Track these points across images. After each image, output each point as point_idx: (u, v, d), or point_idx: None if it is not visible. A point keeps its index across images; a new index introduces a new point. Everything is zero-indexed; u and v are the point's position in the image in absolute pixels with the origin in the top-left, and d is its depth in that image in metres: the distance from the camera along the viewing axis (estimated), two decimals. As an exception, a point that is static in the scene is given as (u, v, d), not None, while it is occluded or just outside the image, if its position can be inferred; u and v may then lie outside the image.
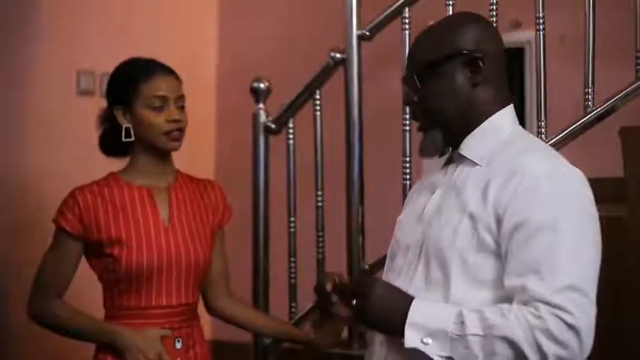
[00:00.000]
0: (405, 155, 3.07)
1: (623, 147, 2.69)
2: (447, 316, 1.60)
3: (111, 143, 2.35)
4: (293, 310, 3.32)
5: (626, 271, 2.63)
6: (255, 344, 3.32)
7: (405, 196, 3.00)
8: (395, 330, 1.64)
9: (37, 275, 2.32)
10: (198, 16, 4.91)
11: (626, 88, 2.77)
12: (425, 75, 1.77)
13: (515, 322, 1.55)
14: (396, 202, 2.97)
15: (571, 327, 1.53)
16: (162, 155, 2.32)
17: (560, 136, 2.83)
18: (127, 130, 2.28)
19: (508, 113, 1.79)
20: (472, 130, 1.76)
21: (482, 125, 1.76)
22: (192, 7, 4.82)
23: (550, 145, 2.82)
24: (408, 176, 3.06)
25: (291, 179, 3.36)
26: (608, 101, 2.79)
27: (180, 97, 2.30)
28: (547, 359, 1.53)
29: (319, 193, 3.30)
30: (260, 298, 3.33)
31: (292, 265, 3.35)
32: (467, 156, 1.76)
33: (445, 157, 1.85)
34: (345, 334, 3.09)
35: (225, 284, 2.48)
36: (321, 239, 3.28)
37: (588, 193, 1.69)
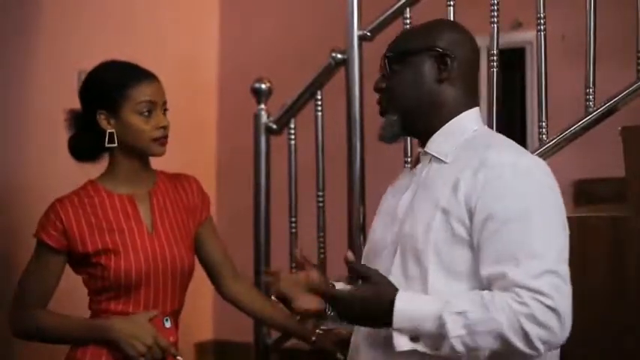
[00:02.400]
0: (406, 155, 3.07)
1: (624, 147, 2.69)
2: (430, 320, 1.65)
3: (84, 147, 2.31)
4: (294, 310, 3.31)
5: (628, 271, 2.63)
6: (256, 344, 3.32)
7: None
8: (381, 326, 1.71)
9: (19, 290, 2.28)
10: (200, 16, 4.92)
11: (627, 88, 2.77)
12: (397, 64, 1.87)
13: (498, 310, 1.60)
14: (397, 202, 2.98)
15: (551, 309, 1.59)
16: (143, 160, 2.31)
17: (561, 136, 2.82)
18: (111, 135, 2.24)
19: (474, 114, 1.88)
20: (437, 129, 1.85)
21: (447, 124, 1.84)
22: (193, 8, 4.82)
23: (551, 145, 2.83)
24: (409, 176, 3.06)
25: (292, 179, 3.36)
26: (609, 101, 2.78)
27: (165, 102, 2.29)
28: (532, 343, 1.59)
29: (320, 193, 3.30)
30: (261, 298, 3.33)
31: (293, 265, 3.35)
32: (433, 153, 1.84)
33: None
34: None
35: (230, 269, 2.49)
36: (322, 239, 3.28)
37: (552, 182, 1.76)
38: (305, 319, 2.39)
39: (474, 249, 1.70)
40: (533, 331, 1.58)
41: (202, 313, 4.60)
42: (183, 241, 2.32)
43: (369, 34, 3.15)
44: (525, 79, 4.28)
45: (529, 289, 1.60)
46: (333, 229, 3.29)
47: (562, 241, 1.69)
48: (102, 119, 2.25)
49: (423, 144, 1.89)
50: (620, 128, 2.72)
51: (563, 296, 1.61)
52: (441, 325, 1.63)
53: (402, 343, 1.67)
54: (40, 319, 2.24)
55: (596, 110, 2.80)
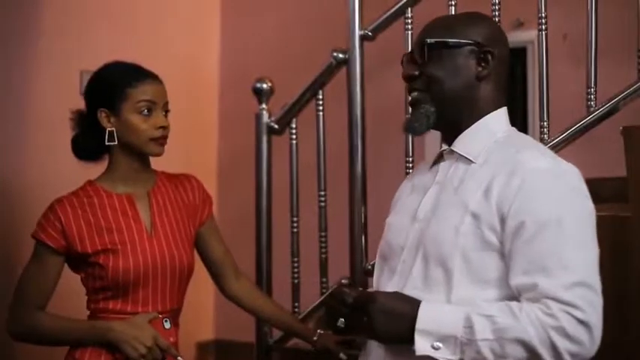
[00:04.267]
0: (407, 155, 3.07)
1: (625, 146, 2.68)
2: (456, 321, 1.60)
3: (86, 147, 2.32)
4: (296, 310, 3.32)
5: (631, 272, 2.62)
6: (258, 344, 3.32)
7: (407, 196, 3.01)
8: (404, 338, 1.63)
9: (17, 291, 2.28)
10: (201, 16, 4.92)
11: (628, 88, 2.77)
12: (434, 52, 1.79)
13: (526, 321, 1.56)
14: (398, 202, 2.97)
15: (582, 323, 1.54)
16: (143, 160, 2.31)
17: (563, 135, 2.83)
18: (111, 133, 2.25)
19: (503, 114, 1.83)
20: (465, 128, 1.79)
21: (476, 123, 1.79)
22: (194, 8, 4.82)
23: (553, 144, 2.83)
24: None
25: (293, 179, 3.36)
26: (610, 100, 2.78)
27: (166, 104, 2.30)
28: (560, 356, 1.55)
29: (322, 193, 3.30)
30: (263, 298, 3.33)
31: (295, 265, 3.35)
32: (461, 153, 1.78)
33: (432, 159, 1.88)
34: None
35: (232, 269, 2.50)
36: (323, 239, 3.28)
37: (586, 190, 1.72)
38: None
39: (504, 256, 1.64)
40: (563, 344, 1.54)
41: (203, 313, 4.59)
42: (183, 241, 2.32)
43: (370, 33, 3.15)
44: (526, 78, 4.28)
45: (559, 301, 1.55)
46: (335, 229, 3.29)
47: (594, 252, 1.64)
48: (102, 117, 2.26)
49: (448, 141, 1.82)
50: (621, 128, 2.71)
51: (594, 309, 1.57)
52: (469, 326, 1.57)
53: (423, 347, 1.60)
54: (38, 320, 2.24)
55: (598, 110, 2.80)
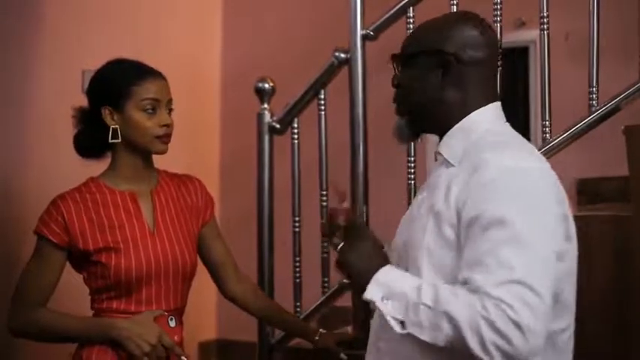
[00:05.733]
0: (409, 155, 3.07)
1: (627, 146, 2.69)
2: (410, 284, 1.64)
3: (88, 144, 2.32)
4: (298, 309, 3.32)
5: (633, 271, 2.63)
6: (260, 343, 3.33)
7: (409, 195, 3.02)
8: (362, 281, 1.69)
9: (19, 287, 2.26)
10: (203, 16, 4.92)
11: (630, 87, 2.77)
12: (405, 63, 1.84)
13: (463, 302, 1.56)
14: (400, 201, 2.98)
15: (513, 322, 1.51)
16: (146, 157, 2.30)
17: (565, 135, 2.83)
18: (114, 131, 2.25)
19: (487, 112, 1.81)
20: (446, 131, 1.81)
21: (456, 125, 1.80)
22: (196, 8, 4.82)
23: (555, 144, 2.83)
24: (412, 176, 3.06)
25: (295, 179, 3.37)
26: (612, 100, 2.79)
27: (170, 101, 2.29)
28: (486, 347, 1.52)
29: (324, 192, 3.30)
30: (265, 297, 3.33)
31: (297, 264, 3.35)
32: (444, 156, 1.80)
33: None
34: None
35: (233, 270, 2.49)
36: (326, 238, 3.28)
37: (549, 190, 1.68)
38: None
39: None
40: (489, 336, 1.51)
41: (206, 313, 4.60)
42: (185, 240, 2.31)
43: (372, 33, 3.15)
44: (528, 78, 4.28)
45: (490, 296, 1.53)
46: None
47: (542, 254, 1.59)
48: (106, 115, 2.26)
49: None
50: (623, 127, 2.72)
51: (531, 311, 1.52)
52: (417, 289, 1.61)
53: (374, 296, 1.65)
54: (39, 316, 2.22)
55: (600, 109, 2.80)
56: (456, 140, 1.79)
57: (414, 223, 1.79)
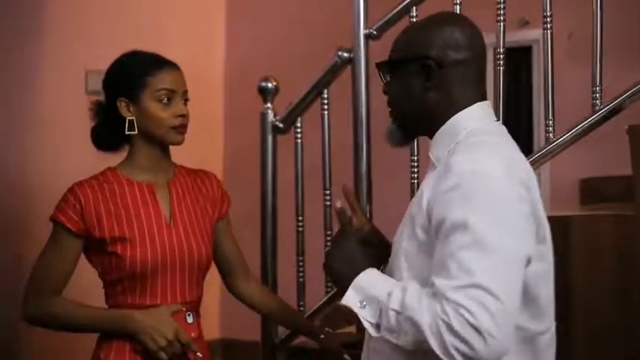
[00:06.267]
0: (412, 154, 3.07)
1: (631, 145, 2.69)
2: (385, 288, 1.65)
3: (106, 137, 2.31)
4: (301, 308, 3.32)
5: (636, 270, 2.63)
6: (263, 343, 3.33)
7: (412, 195, 3.02)
8: (343, 284, 1.71)
9: (34, 274, 2.23)
10: (207, 16, 4.93)
11: (634, 86, 2.77)
12: (390, 70, 1.85)
13: (425, 307, 1.56)
14: (403, 201, 2.98)
15: (472, 326, 1.51)
16: (163, 149, 2.30)
17: (568, 134, 2.83)
18: (131, 122, 2.24)
19: (471, 112, 1.80)
20: (435, 133, 1.81)
21: (442, 127, 1.80)
22: (200, 8, 4.83)
23: (558, 143, 2.82)
24: (415, 175, 3.07)
25: (298, 178, 3.37)
26: (616, 99, 2.78)
27: (185, 92, 2.29)
28: (447, 350, 1.53)
29: (327, 192, 3.30)
30: (268, 296, 3.34)
31: (300, 263, 3.36)
32: (432, 159, 1.80)
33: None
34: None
35: (243, 268, 2.48)
36: (329, 238, 3.28)
37: (513, 191, 1.64)
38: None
39: None
40: (449, 340, 1.51)
41: (209, 312, 4.60)
42: (202, 232, 2.31)
43: (375, 32, 3.15)
44: (532, 77, 4.29)
45: (449, 300, 1.52)
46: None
47: (505, 258, 1.57)
48: (122, 106, 2.25)
49: None
50: (626, 127, 2.72)
51: (490, 315, 1.50)
52: (389, 294, 1.62)
53: (353, 301, 1.67)
54: (55, 305, 2.20)
55: (603, 109, 2.80)
56: (442, 142, 1.79)
57: (401, 225, 1.80)
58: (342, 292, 1.72)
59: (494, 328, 1.51)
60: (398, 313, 1.59)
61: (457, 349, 1.52)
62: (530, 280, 1.64)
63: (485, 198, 1.61)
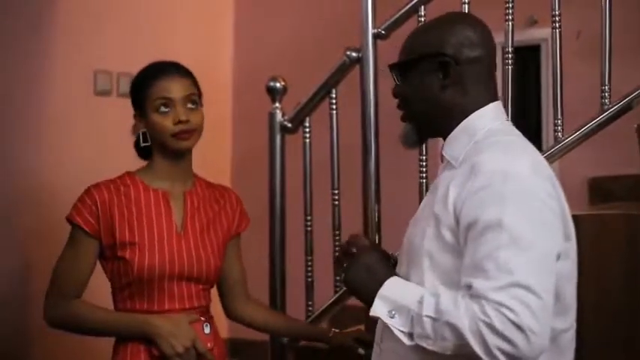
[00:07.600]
0: (421, 154, 3.07)
1: (639, 144, 2.68)
2: (414, 296, 1.65)
3: (138, 148, 2.36)
4: (310, 308, 3.32)
5: (644, 269, 2.62)
6: (272, 343, 3.33)
7: (421, 195, 3.02)
8: (368, 297, 1.71)
9: (54, 277, 2.26)
10: (215, 16, 4.93)
11: (643, 85, 2.76)
12: (403, 71, 1.85)
13: (463, 311, 1.56)
14: (412, 201, 2.98)
15: (514, 324, 1.52)
16: (178, 158, 2.31)
17: (577, 133, 2.82)
18: (144, 134, 2.30)
19: (488, 111, 1.81)
20: (449, 133, 1.81)
21: (458, 126, 1.80)
22: (208, 8, 4.83)
23: (566, 143, 2.82)
24: (424, 175, 3.06)
25: (307, 178, 3.37)
26: (624, 98, 2.78)
27: (189, 96, 2.28)
28: (490, 351, 1.53)
29: (335, 191, 3.30)
30: (277, 296, 3.34)
31: (309, 263, 3.36)
32: (447, 158, 1.81)
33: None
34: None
35: (243, 290, 2.49)
36: (337, 238, 3.28)
37: (542, 187, 1.66)
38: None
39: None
40: (492, 340, 1.52)
41: (218, 312, 4.61)
42: (212, 244, 2.31)
43: (383, 32, 3.14)
44: (540, 76, 4.28)
45: (491, 301, 1.54)
46: (349, 228, 3.28)
47: (541, 254, 1.60)
48: (137, 120, 2.32)
49: None
50: (635, 126, 2.71)
51: (531, 312, 1.53)
52: (420, 302, 1.62)
53: (381, 311, 1.67)
54: (78, 308, 2.23)
55: (612, 108, 2.79)
56: (458, 142, 1.79)
57: (417, 226, 1.80)
58: (367, 304, 1.71)
59: (535, 324, 1.53)
60: (434, 319, 1.59)
61: (500, 349, 1.53)
62: (557, 278, 1.64)
63: (518, 196, 1.62)
